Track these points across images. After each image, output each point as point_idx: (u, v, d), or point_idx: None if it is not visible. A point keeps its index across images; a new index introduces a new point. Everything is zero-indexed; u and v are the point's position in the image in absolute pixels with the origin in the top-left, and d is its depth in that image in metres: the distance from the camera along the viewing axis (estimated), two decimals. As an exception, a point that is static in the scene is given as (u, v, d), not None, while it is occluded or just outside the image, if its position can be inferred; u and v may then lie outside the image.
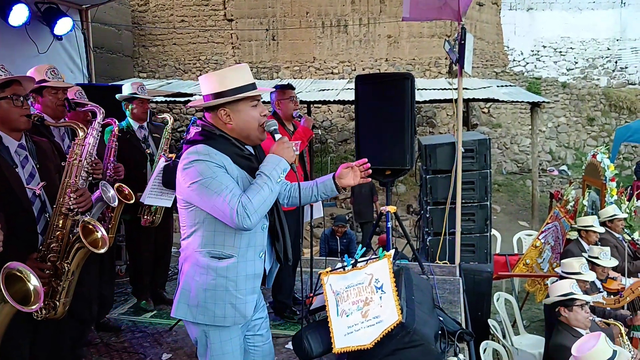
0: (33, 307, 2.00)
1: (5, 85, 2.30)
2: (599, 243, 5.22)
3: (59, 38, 5.30)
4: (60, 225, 2.41)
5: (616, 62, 17.77)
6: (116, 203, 3.11)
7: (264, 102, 2.37)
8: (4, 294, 1.87)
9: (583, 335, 3.45)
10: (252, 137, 2.17)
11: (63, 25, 5.19)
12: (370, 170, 2.45)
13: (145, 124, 4.00)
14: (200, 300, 2.10)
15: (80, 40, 5.68)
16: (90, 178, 2.70)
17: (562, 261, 4.54)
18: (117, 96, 3.95)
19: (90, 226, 2.47)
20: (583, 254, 4.91)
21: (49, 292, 2.41)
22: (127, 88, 3.94)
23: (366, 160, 2.42)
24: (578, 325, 3.56)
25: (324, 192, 2.40)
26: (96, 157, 2.83)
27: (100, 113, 2.98)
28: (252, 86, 2.14)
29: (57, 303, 2.40)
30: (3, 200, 2.25)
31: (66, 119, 3.37)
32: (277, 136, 2.21)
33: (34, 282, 2.04)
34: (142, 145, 3.93)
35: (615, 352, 2.75)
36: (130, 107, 3.91)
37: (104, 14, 12.20)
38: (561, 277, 4.45)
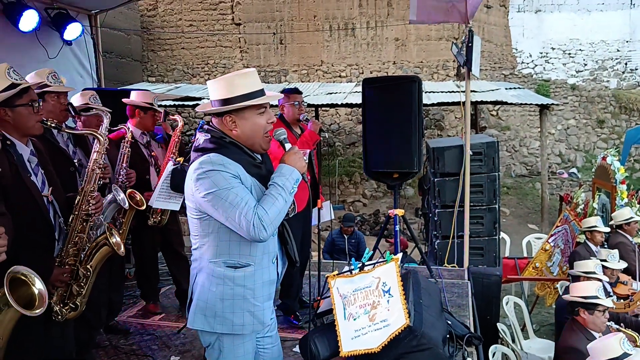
0: (37, 311, 1.97)
1: (23, 91, 2.30)
2: (606, 244, 5.19)
3: (68, 43, 5.35)
4: (79, 230, 2.47)
5: (626, 64, 17.58)
6: (127, 205, 3.13)
7: (272, 106, 2.36)
8: (8, 299, 1.86)
9: (596, 338, 3.41)
10: (256, 145, 2.14)
11: (73, 31, 5.24)
12: None
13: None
14: (218, 310, 2.09)
15: (89, 45, 5.73)
16: (101, 182, 2.72)
17: (576, 262, 4.48)
18: (126, 101, 3.85)
19: (109, 232, 2.54)
20: (591, 257, 4.87)
21: (67, 294, 2.46)
22: (146, 96, 3.85)
23: None
24: (594, 328, 3.52)
25: None
26: (106, 162, 2.85)
27: (107, 117, 3.00)
28: (260, 92, 2.09)
29: (78, 304, 2.47)
30: (26, 209, 2.25)
31: (78, 124, 3.39)
32: (288, 145, 2.20)
33: (38, 285, 2.02)
34: (144, 152, 3.86)
35: (626, 354, 2.71)
36: (141, 114, 3.81)
37: (113, 19, 12.29)
38: (573, 280, 4.41)
